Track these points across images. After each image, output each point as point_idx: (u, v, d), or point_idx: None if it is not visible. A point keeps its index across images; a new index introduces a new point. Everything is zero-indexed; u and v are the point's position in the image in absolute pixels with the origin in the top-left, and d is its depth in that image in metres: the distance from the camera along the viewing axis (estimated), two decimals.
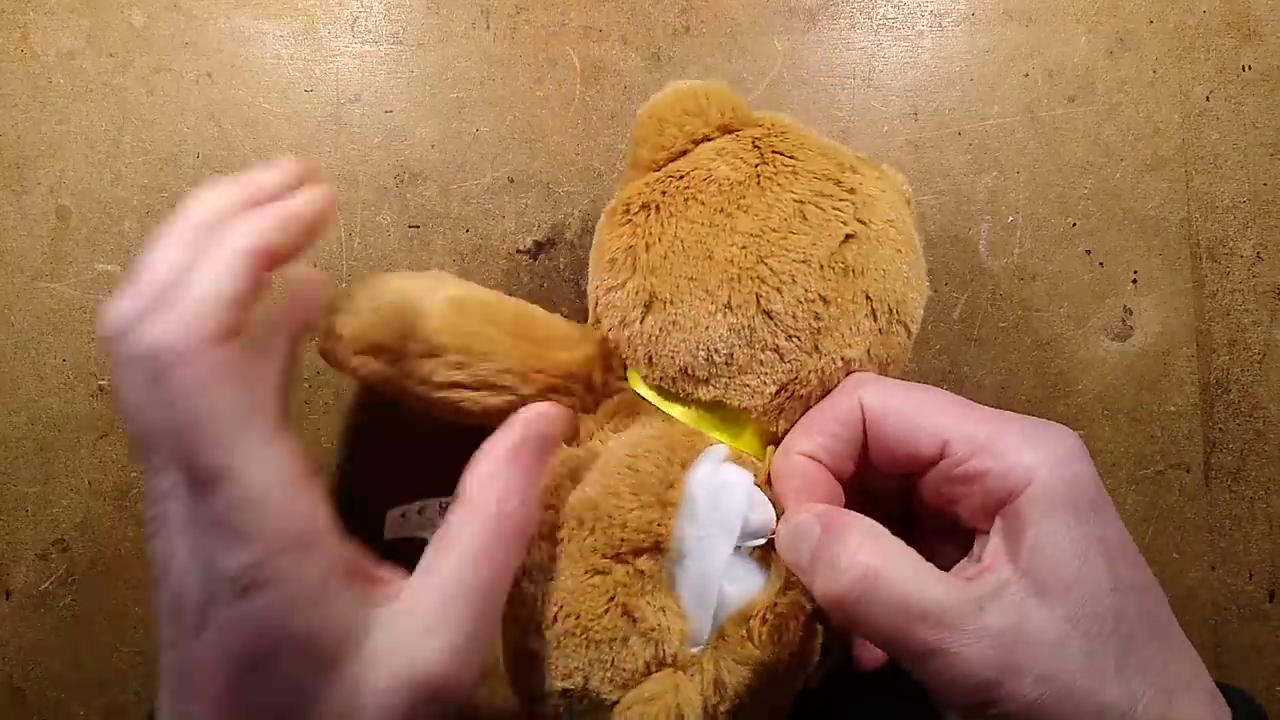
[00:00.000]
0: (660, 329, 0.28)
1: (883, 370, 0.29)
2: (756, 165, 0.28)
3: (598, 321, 0.30)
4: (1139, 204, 0.39)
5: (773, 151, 0.28)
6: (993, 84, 0.39)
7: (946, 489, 0.25)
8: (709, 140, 0.29)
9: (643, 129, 0.29)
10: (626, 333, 0.28)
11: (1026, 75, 0.39)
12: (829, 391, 0.28)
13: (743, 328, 0.27)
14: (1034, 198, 0.39)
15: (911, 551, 0.24)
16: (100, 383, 0.39)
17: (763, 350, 0.27)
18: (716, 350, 0.27)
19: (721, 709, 0.25)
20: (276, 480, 0.22)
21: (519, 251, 0.39)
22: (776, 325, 0.27)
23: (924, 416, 0.25)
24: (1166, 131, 0.39)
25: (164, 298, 0.22)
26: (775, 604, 0.26)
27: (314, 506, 0.23)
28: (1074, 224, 0.39)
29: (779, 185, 0.27)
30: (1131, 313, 0.39)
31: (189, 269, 0.23)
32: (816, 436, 0.27)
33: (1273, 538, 0.39)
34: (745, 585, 0.26)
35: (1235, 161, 0.39)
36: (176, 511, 0.22)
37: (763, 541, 0.26)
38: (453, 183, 0.39)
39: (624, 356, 0.30)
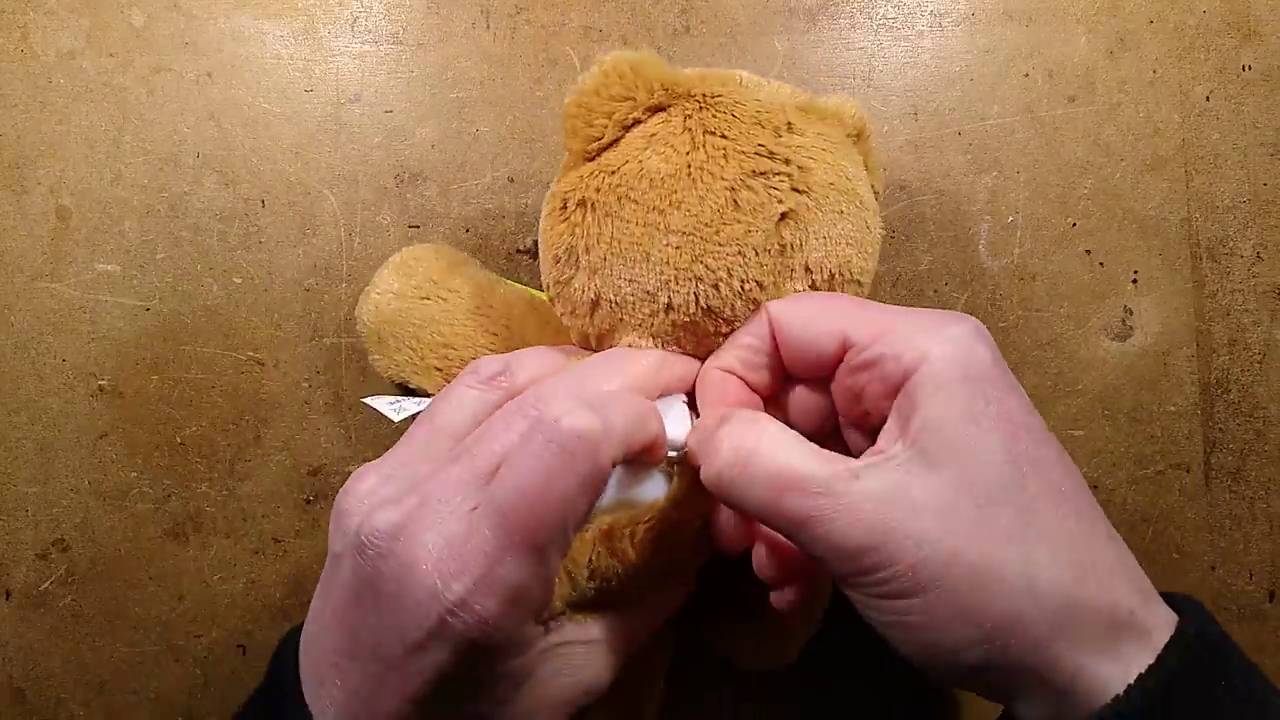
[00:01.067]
0: (609, 325, 0.28)
1: None
2: (688, 153, 0.27)
3: (552, 303, 0.30)
4: (1139, 204, 0.39)
5: (704, 132, 0.28)
6: (993, 84, 0.39)
7: (851, 383, 0.26)
8: (640, 123, 0.28)
9: (571, 119, 0.28)
10: (579, 323, 0.29)
11: (1026, 75, 0.39)
12: None
13: (686, 323, 0.28)
14: (1034, 198, 0.39)
15: (791, 433, 0.24)
16: (100, 383, 0.39)
17: (705, 338, 0.28)
18: (663, 344, 0.28)
19: (591, 586, 0.26)
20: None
21: (519, 251, 0.39)
22: (718, 318, 0.28)
23: (824, 315, 0.26)
24: (1166, 131, 0.39)
25: (599, 408, 0.24)
26: (663, 515, 0.27)
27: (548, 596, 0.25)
28: (1074, 224, 0.39)
29: (710, 174, 0.27)
30: (1131, 313, 0.39)
31: None
32: (732, 350, 0.28)
33: (1273, 538, 0.39)
34: (648, 491, 0.28)
35: (1235, 161, 0.39)
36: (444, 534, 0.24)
37: (673, 454, 0.27)
38: (453, 183, 0.39)
39: (574, 339, 0.31)
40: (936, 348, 0.24)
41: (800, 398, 0.29)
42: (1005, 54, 0.39)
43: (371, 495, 0.25)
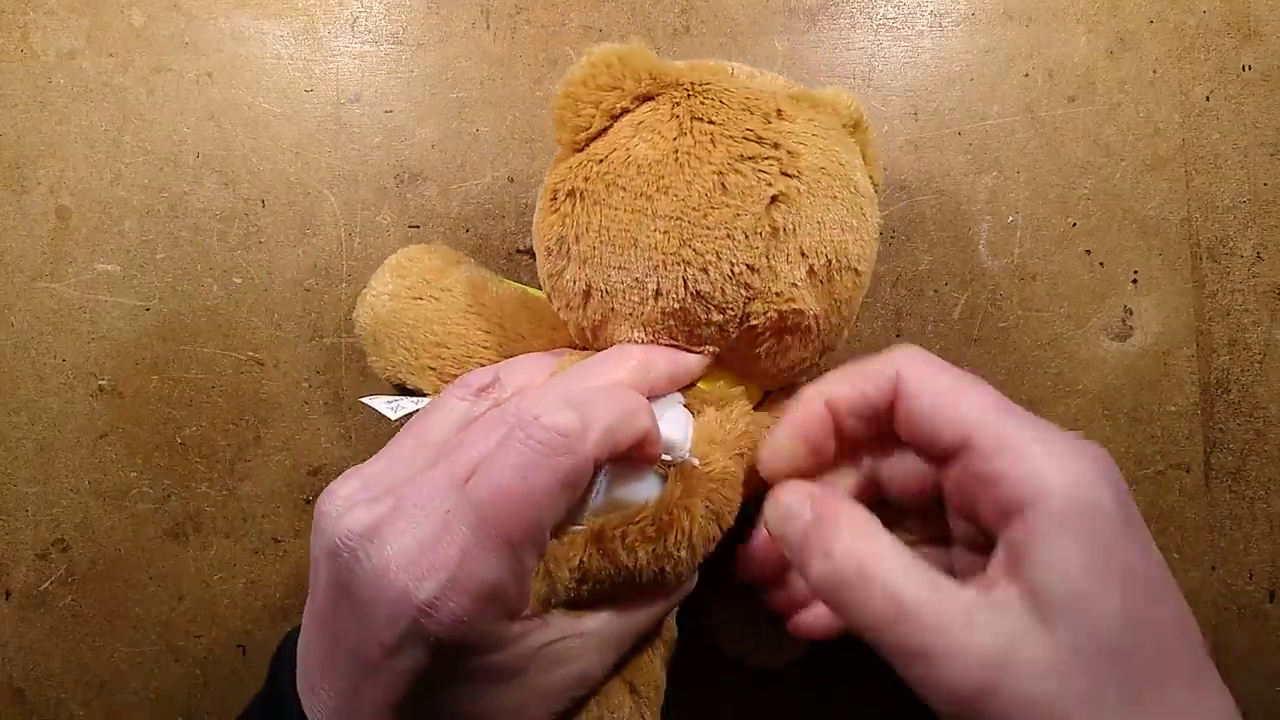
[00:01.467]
0: (601, 316, 0.28)
1: (836, 311, 0.29)
2: (675, 139, 0.27)
3: (550, 298, 0.30)
4: (1139, 204, 0.39)
5: (692, 118, 0.27)
6: (993, 84, 0.39)
7: (967, 487, 0.24)
8: (628, 112, 0.28)
9: (560, 110, 0.29)
10: (574, 315, 0.29)
11: (1026, 75, 0.39)
12: (776, 339, 0.28)
13: (676, 311, 0.27)
14: (1034, 198, 0.39)
15: (906, 550, 0.23)
16: (100, 383, 0.39)
17: (698, 327, 0.28)
18: (655, 335, 0.28)
19: (584, 588, 0.26)
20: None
21: (519, 251, 0.39)
22: (709, 304, 0.27)
23: (954, 401, 0.24)
24: (1166, 131, 0.39)
25: (580, 406, 0.25)
26: (655, 516, 0.27)
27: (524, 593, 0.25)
28: (1074, 224, 0.39)
29: (697, 159, 0.27)
30: (1131, 313, 0.39)
31: None
32: (844, 385, 0.26)
33: (1273, 538, 0.39)
34: (641, 491, 0.27)
35: (1235, 161, 0.39)
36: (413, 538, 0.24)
37: (669, 458, 0.27)
38: (453, 183, 0.39)
39: (572, 333, 0.31)
40: (1060, 487, 0.22)
41: (901, 461, 0.28)
42: (1005, 54, 0.39)
43: (349, 499, 0.25)
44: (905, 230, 0.39)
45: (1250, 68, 0.39)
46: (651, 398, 0.28)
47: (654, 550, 0.26)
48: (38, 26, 0.39)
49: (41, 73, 0.39)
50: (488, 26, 0.39)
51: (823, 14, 0.39)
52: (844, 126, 0.30)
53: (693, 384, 0.29)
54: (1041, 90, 0.39)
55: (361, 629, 0.24)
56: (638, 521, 0.26)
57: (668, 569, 0.27)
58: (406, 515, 0.24)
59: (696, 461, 0.27)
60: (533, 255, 0.39)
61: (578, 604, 0.27)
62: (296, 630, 0.27)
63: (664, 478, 0.28)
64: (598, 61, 0.28)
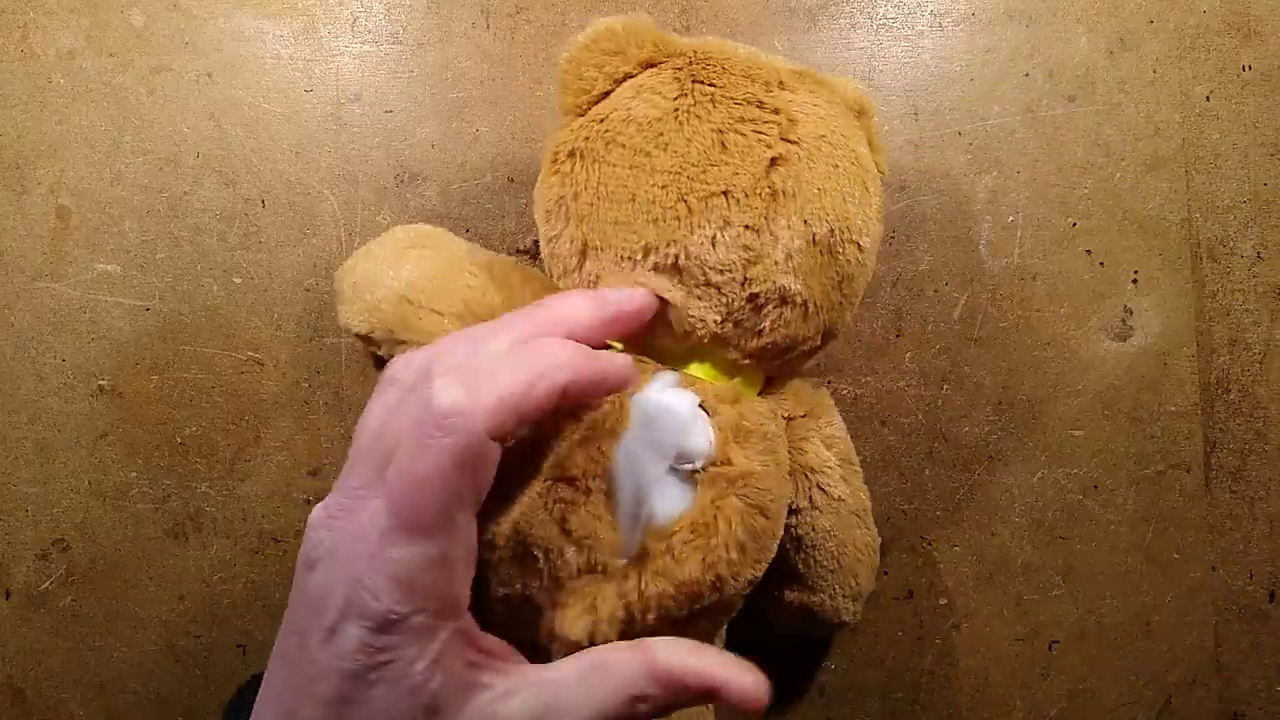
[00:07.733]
0: (597, 275, 0.28)
1: (838, 288, 0.28)
2: (675, 99, 0.27)
3: (548, 268, 0.30)
4: (1139, 204, 0.39)
5: (693, 81, 0.28)
6: (993, 84, 0.39)
7: None
8: (631, 78, 0.29)
9: (563, 74, 0.29)
10: (570, 281, 0.29)
11: (1026, 75, 0.39)
12: (778, 309, 0.28)
13: (671, 267, 0.27)
14: (1034, 198, 0.39)
15: None
16: (100, 383, 0.39)
17: (695, 286, 0.27)
18: (652, 290, 0.27)
19: (648, 617, 0.26)
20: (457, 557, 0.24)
21: (519, 251, 0.39)
22: (705, 263, 0.27)
23: None
24: (1166, 131, 0.39)
25: (472, 379, 0.24)
26: (694, 525, 0.26)
27: (465, 587, 0.24)
28: (1074, 224, 0.39)
29: (697, 118, 0.27)
30: (1131, 313, 0.39)
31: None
32: None
33: (1273, 538, 0.39)
34: (673, 504, 0.27)
35: (1235, 161, 0.39)
36: (363, 524, 0.24)
37: (696, 466, 0.27)
38: (453, 183, 0.39)
39: None
40: None
41: None
42: (1005, 54, 0.39)
43: (324, 505, 0.26)
44: (905, 230, 0.39)
45: (1250, 68, 0.39)
46: (599, 347, 0.26)
47: (703, 559, 0.26)
48: (38, 26, 0.39)
49: (41, 73, 0.39)
50: (488, 26, 0.39)
51: (823, 14, 0.39)
52: (849, 110, 0.30)
53: (686, 366, 0.29)
54: (1041, 90, 0.39)
55: (310, 620, 0.24)
56: (677, 531, 0.26)
57: (723, 575, 0.26)
58: (349, 510, 0.24)
59: (699, 465, 0.27)
60: (533, 255, 0.39)
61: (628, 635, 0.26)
62: (247, 682, 0.27)
63: (694, 484, 0.27)
64: (602, 29, 0.28)
